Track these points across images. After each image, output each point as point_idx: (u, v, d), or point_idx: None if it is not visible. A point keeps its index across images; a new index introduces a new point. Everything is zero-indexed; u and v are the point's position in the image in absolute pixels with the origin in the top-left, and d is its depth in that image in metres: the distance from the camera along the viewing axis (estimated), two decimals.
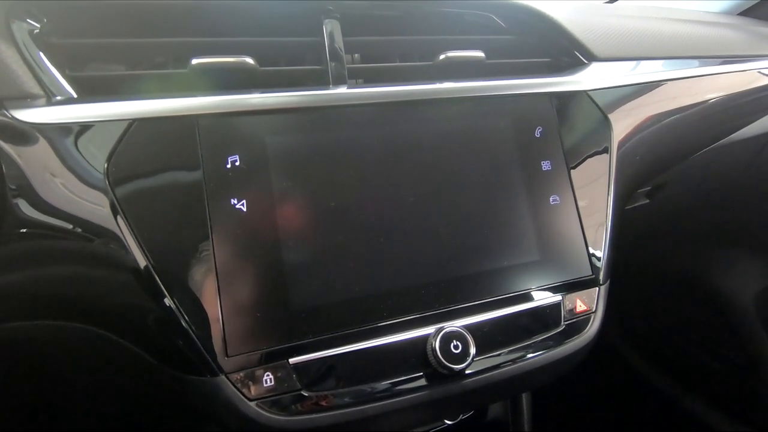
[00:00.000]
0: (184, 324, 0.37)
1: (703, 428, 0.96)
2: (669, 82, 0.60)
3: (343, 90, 0.46)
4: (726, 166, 0.77)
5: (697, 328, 0.98)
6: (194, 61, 0.43)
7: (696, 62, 0.65)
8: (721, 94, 0.65)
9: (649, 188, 0.71)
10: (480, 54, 0.53)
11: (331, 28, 0.48)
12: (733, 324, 0.90)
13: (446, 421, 0.66)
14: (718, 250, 0.92)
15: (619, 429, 1.08)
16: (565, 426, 1.07)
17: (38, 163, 0.37)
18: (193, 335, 0.37)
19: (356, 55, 0.52)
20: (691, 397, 1.00)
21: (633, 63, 0.61)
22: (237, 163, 0.40)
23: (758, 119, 0.72)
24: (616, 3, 0.86)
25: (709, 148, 0.70)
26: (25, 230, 0.37)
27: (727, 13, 0.90)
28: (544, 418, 0.79)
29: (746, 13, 0.89)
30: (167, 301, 0.37)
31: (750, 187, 0.81)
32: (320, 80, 0.48)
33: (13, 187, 0.37)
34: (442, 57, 0.52)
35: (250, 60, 0.44)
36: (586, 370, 0.56)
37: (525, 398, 0.69)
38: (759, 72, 0.69)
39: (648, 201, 0.73)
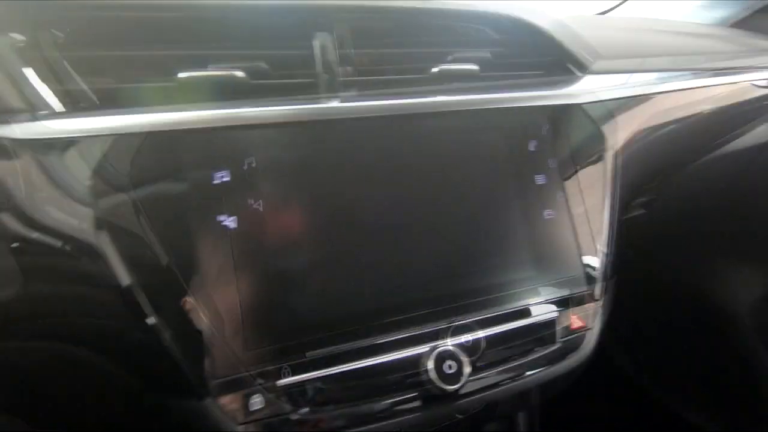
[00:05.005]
0: (169, 347, 0.36)
1: None
2: (662, 95, 0.60)
3: (335, 104, 0.45)
4: (719, 177, 0.77)
5: (696, 339, 0.98)
6: (182, 75, 0.42)
7: (689, 74, 0.65)
8: (714, 106, 0.65)
9: (644, 199, 0.71)
10: (474, 67, 0.53)
11: (323, 40, 0.48)
12: (730, 335, 0.90)
13: None
14: (713, 260, 0.92)
15: None
16: None
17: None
18: (179, 359, 0.36)
19: (349, 67, 0.51)
20: (690, 409, 0.99)
21: (626, 76, 0.60)
22: (225, 179, 0.39)
23: (751, 130, 0.73)
24: (608, 15, 0.87)
25: (704, 158, 0.70)
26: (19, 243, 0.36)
27: (719, 24, 0.90)
28: None
29: (738, 24, 0.89)
30: (150, 321, 0.36)
31: (743, 197, 0.81)
32: (313, 92, 0.47)
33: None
34: (435, 70, 0.51)
35: (240, 73, 0.44)
36: (584, 382, 0.55)
37: (521, 415, 0.68)
38: (751, 84, 0.69)
39: (644, 211, 0.72)
